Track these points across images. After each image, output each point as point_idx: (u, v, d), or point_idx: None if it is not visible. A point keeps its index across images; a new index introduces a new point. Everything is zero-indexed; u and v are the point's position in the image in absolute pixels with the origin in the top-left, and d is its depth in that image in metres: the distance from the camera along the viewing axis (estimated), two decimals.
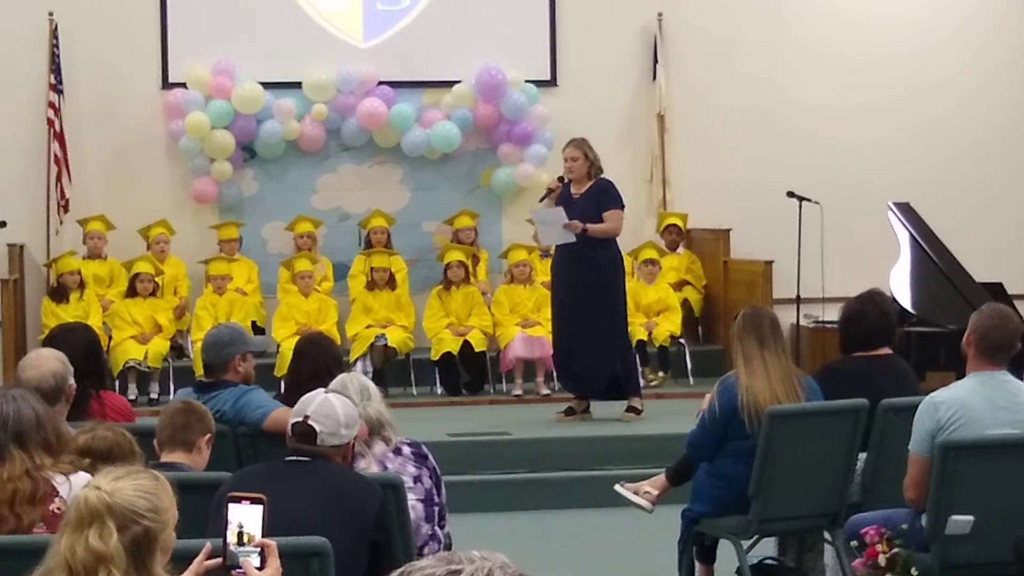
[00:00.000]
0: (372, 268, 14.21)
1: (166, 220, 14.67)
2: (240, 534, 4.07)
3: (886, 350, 8.08)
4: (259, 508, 4.08)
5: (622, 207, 11.93)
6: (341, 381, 6.49)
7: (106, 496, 3.75)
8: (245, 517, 4.08)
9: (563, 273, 11.90)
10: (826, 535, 7.85)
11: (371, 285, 14.17)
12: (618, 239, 12.30)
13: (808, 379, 7.74)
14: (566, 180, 11.88)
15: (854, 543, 6.93)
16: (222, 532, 4.09)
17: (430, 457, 6.53)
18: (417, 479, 6.37)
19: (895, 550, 6.72)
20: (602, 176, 11.85)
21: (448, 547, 6.45)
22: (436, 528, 6.40)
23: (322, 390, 5.73)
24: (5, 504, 5.05)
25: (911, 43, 15.82)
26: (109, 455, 5.40)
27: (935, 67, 15.83)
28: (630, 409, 12.04)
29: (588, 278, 11.68)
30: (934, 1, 16.01)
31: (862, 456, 7.70)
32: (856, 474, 7.72)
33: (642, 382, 13.12)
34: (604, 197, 11.77)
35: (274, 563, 4.09)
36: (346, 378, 6.56)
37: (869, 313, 8.06)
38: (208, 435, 6.22)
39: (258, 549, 4.08)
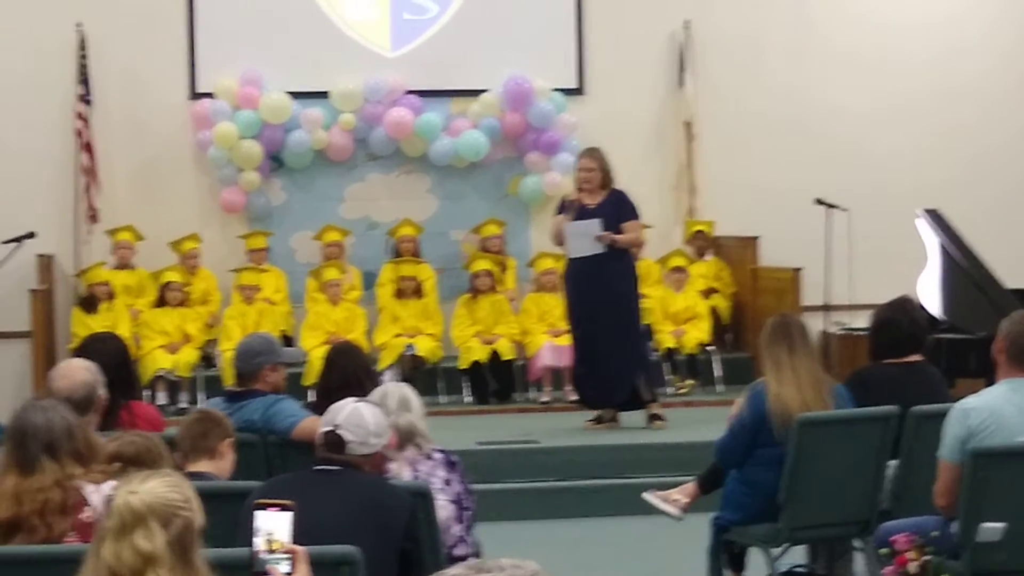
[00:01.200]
0: (400, 277, 14.23)
1: (197, 234, 14.71)
2: (268, 541, 4.06)
3: (916, 357, 8.05)
4: (287, 515, 4.07)
5: (639, 216, 11.91)
6: (384, 391, 6.53)
7: (145, 497, 3.78)
8: (273, 524, 4.07)
9: (580, 287, 11.83)
10: (856, 543, 7.84)
11: (399, 294, 14.20)
12: (640, 247, 12.31)
13: (837, 386, 7.73)
14: (579, 189, 11.78)
15: (884, 551, 6.89)
16: (250, 540, 4.09)
17: (459, 464, 6.55)
18: (447, 483, 6.40)
19: (926, 558, 6.69)
20: (615, 187, 11.81)
21: (477, 554, 6.46)
22: (465, 532, 6.42)
23: (352, 399, 5.73)
24: (36, 514, 5.08)
25: (938, 47, 15.76)
26: (138, 460, 5.40)
27: (962, 71, 15.76)
28: (654, 417, 11.99)
29: (606, 290, 11.63)
30: (959, 5, 15.93)
31: (892, 463, 7.68)
32: (886, 481, 7.70)
33: (671, 389, 13.10)
34: (623, 208, 11.72)
35: (303, 570, 4.09)
36: (390, 388, 6.60)
37: (899, 320, 8.04)
38: (229, 439, 6.20)
39: (287, 556, 4.07)
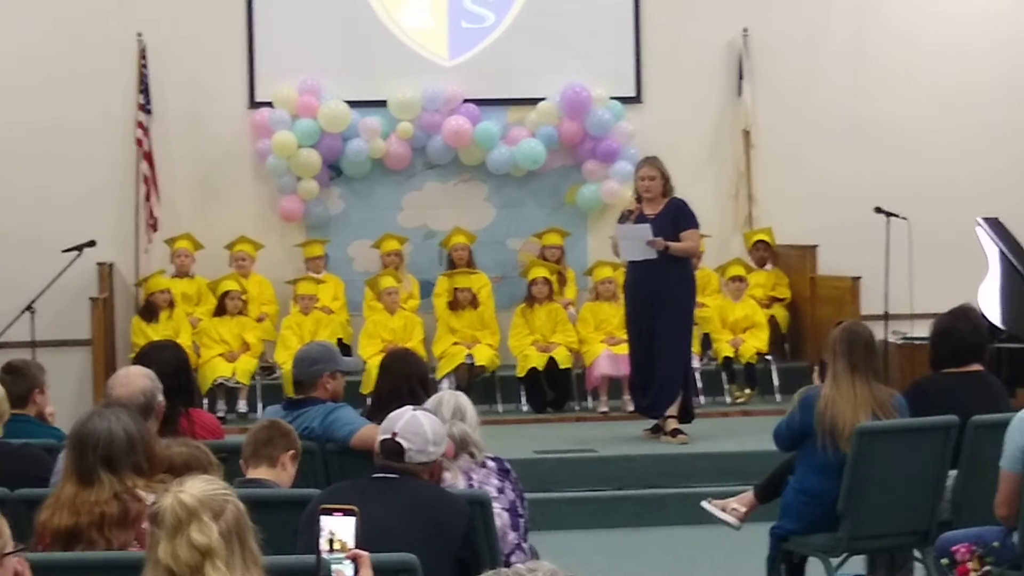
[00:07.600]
0: (455, 288, 14.23)
1: (246, 236, 14.75)
2: (332, 543, 4.11)
3: (977, 366, 8.01)
4: (352, 519, 4.13)
5: (698, 226, 11.88)
6: (438, 398, 6.53)
7: (193, 492, 3.82)
8: (338, 528, 4.13)
9: (638, 294, 11.83)
10: (916, 553, 7.81)
11: (454, 305, 14.19)
12: (698, 257, 12.25)
13: (897, 397, 7.68)
14: (640, 199, 11.76)
15: (945, 561, 6.86)
16: (315, 543, 4.13)
17: (513, 472, 6.56)
18: (501, 490, 6.41)
19: (986, 568, 6.66)
20: (674, 195, 11.79)
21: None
22: (521, 539, 6.42)
23: (410, 407, 5.73)
24: (94, 526, 5.04)
25: (1001, 47, 15.63)
26: (187, 468, 5.40)
27: (1018, 74, 15.66)
28: (676, 432, 11.90)
29: (662, 297, 11.62)
30: (1019, 25, 15.78)
31: (952, 473, 7.64)
32: (946, 491, 7.65)
33: (729, 399, 13.02)
34: (681, 217, 11.70)
35: (367, 573, 4.12)
36: (445, 396, 6.60)
37: (960, 329, 8.00)
38: (292, 451, 6.23)
39: (351, 559, 4.12)
